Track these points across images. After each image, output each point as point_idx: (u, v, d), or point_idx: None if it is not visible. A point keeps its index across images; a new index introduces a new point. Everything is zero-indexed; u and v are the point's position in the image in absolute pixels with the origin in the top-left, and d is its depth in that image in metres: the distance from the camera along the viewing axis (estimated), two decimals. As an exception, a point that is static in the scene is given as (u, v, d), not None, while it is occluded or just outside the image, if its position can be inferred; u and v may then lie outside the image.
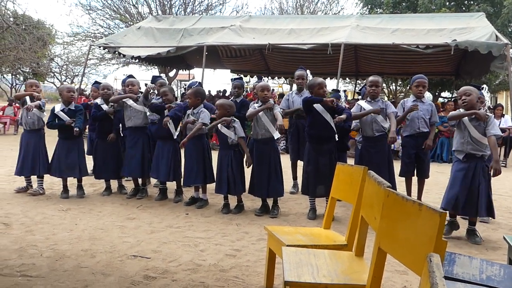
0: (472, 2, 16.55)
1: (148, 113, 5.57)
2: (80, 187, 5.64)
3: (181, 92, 17.12)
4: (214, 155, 5.23)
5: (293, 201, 5.62)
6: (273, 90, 17.16)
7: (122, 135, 5.81)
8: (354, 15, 13.40)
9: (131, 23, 18.98)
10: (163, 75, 18.31)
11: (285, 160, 5.97)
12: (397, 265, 3.26)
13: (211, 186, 5.26)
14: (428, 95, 15.79)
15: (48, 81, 29.35)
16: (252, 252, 3.71)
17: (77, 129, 5.33)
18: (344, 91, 14.26)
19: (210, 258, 3.52)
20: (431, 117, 5.10)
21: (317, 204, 4.93)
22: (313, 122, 4.71)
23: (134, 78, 5.91)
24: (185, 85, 19.42)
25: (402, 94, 20.21)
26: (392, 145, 6.57)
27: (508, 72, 9.18)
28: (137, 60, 14.20)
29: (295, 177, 6.20)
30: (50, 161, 5.59)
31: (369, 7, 18.42)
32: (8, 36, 19.00)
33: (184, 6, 21.42)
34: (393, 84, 20.57)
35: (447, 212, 3.99)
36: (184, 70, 17.48)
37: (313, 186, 4.71)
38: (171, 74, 20.31)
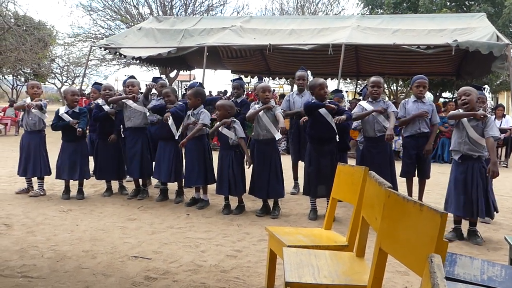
0: (473, 3, 16.54)
1: (147, 114, 5.57)
2: (80, 191, 5.63)
3: (182, 93, 17.13)
4: (215, 155, 5.23)
5: (294, 201, 5.61)
6: (274, 90, 17.16)
7: (123, 136, 5.81)
8: (355, 16, 13.42)
9: (132, 24, 19.01)
10: (163, 76, 18.35)
11: (286, 161, 5.97)
12: (398, 265, 3.25)
13: (212, 187, 5.26)
14: (429, 96, 15.80)
15: (49, 82, 29.33)
16: (253, 252, 3.71)
17: (81, 129, 5.34)
18: (346, 91, 14.25)
19: (211, 259, 3.52)
20: (431, 117, 5.09)
21: (318, 205, 4.93)
22: (314, 123, 4.71)
23: (135, 78, 5.91)
24: (186, 85, 19.44)
25: (403, 94, 20.20)
26: (393, 146, 6.57)
27: (509, 73, 9.17)
28: (137, 61, 14.21)
29: (296, 178, 6.20)
30: (57, 164, 5.57)
31: (370, 7, 18.43)
32: (9, 37, 19.04)
33: (185, 7, 21.46)
34: (394, 84, 20.57)
35: (447, 214, 3.98)
36: (184, 70, 17.49)
37: (314, 186, 4.71)
38: (172, 74, 20.34)
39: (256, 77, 14.54)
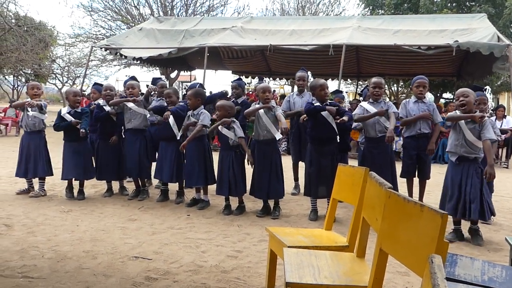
0: (473, 3, 16.54)
1: (148, 115, 5.57)
2: (81, 191, 5.63)
3: (183, 94, 17.15)
4: (215, 156, 5.23)
5: (295, 202, 5.61)
6: (274, 91, 17.16)
7: (124, 137, 5.81)
8: (356, 16, 13.41)
9: (133, 25, 19.02)
10: (163, 76, 18.36)
11: (287, 161, 5.97)
12: (399, 266, 3.25)
13: (212, 187, 5.26)
14: (429, 96, 15.80)
15: (50, 83, 29.43)
16: (253, 253, 3.71)
17: (83, 130, 5.35)
18: (346, 92, 14.25)
19: (212, 259, 3.52)
20: (433, 117, 5.08)
21: (319, 206, 4.93)
22: (315, 124, 4.71)
23: (136, 80, 5.90)
24: (186, 86, 19.45)
25: (404, 95, 20.21)
26: (394, 147, 6.57)
27: (510, 73, 9.16)
28: (138, 62, 14.21)
29: (296, 178, 6.19)
30: (63, 165, 5.57)
31: (370, 8, 18.44)
32: (10, 37, 19.06)
33: (185, 7, 21.49)
34: (395, 85, 20.56)
35: (447, 214, 3.98)
36: (185, 71, 17.48)
37: (315, 187, 4.71)
38: (173, 75, 20.35)
39: (256, 77, 14.53)
